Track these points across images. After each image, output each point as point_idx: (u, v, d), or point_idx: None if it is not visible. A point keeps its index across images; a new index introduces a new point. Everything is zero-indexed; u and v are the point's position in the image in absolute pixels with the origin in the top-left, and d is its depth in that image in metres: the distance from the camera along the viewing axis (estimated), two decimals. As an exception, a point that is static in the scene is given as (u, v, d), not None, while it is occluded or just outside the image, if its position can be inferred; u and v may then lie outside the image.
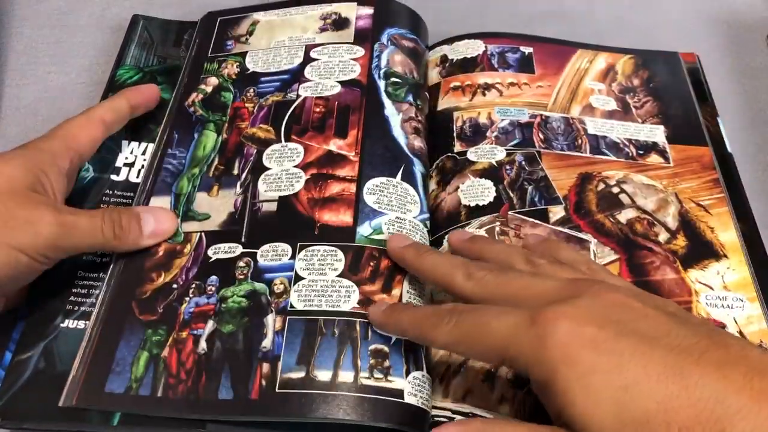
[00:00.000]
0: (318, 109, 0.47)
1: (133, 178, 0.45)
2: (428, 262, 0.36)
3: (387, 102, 0.47)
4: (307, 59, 0.50)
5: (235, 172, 0.45)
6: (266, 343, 0.37)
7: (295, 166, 0.44)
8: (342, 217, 0.41)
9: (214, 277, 0.40)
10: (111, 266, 0.41)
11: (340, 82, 0.48)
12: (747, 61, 0.57)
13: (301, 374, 0.35)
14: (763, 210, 0.47)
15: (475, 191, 0.45)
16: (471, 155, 0.47)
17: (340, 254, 0.40)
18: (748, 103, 0.55)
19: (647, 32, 0.59)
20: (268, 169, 0.44)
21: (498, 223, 0.43)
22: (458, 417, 0.36)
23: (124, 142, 0.47)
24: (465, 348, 0.31)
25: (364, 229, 0.41)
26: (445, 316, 0.31)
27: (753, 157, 0.52)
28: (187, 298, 0.39)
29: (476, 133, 0.48)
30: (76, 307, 0.39)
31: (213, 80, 0.50)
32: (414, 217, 0.42)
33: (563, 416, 0.27)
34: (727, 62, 0.57)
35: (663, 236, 0.43)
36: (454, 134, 0.48)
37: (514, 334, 0.28)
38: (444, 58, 0.53)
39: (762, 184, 0.50)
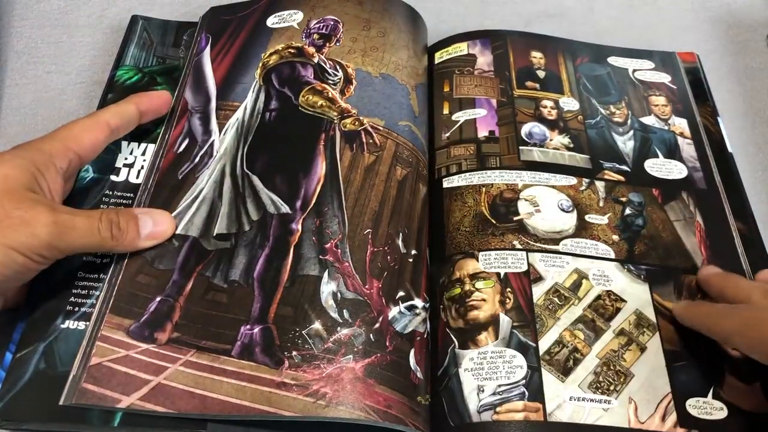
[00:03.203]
0: None
1: (132, 179, 0.45)
2: (732, 281, 0.41)
3: None
4: None
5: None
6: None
7: None
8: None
9: None
10: (111, 267, 0.41)
11: None
12: (747, 61, 0.57)
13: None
14: (763, 210, 0.47)
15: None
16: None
17: None
18: (748, 103, 0.55)
19: (647, 32, 0.59)
20: None
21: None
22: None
23: (124, 143, 0.47)
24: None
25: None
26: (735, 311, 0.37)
27: (753, 157, 0.52)
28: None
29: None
30: (77, 308, 0.39)
31: None
32: None
33: None
34: (727, 62, 0.57)
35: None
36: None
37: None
38: None
39: (762, 184, 0.50)
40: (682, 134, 0.50)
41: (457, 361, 0.39)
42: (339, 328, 0.37)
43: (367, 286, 0.39)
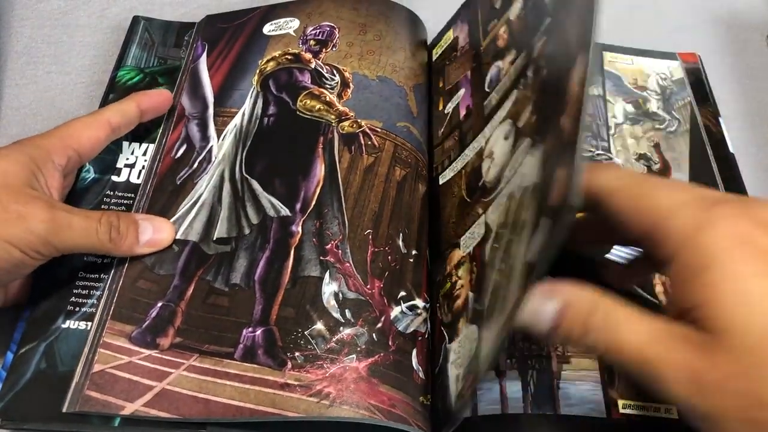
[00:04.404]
0: None
1: (133, 179, 0.45)
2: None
3: None
4: None
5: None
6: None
7: None
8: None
9: None
10: (111, 272, 0.40)
11: None
12: (747, 61, 0.57)
13: (303, 375, 0.36)
14: (762, 210, 0.47)
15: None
16: None
17: None
18: (748, 103, 0.55)
19: (647, 32, 0.59)
20: None
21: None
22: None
23: (125, 143, 0.47)
24: (625, 199, 0.29)
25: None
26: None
27: (753, 157, 0.52)
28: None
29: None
30: (78, 308, 0.39)
31: None
32: None
33: (699, 311, 0.25)
34: (727, 62, 0.57)
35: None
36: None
37: (683, 209, 0.27)
38: None
39: (762, 184, 0.50)
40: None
41: (447, 356, 0.38)
42: (341, 328, 0.37)
43: (368, 286, 0.39)
